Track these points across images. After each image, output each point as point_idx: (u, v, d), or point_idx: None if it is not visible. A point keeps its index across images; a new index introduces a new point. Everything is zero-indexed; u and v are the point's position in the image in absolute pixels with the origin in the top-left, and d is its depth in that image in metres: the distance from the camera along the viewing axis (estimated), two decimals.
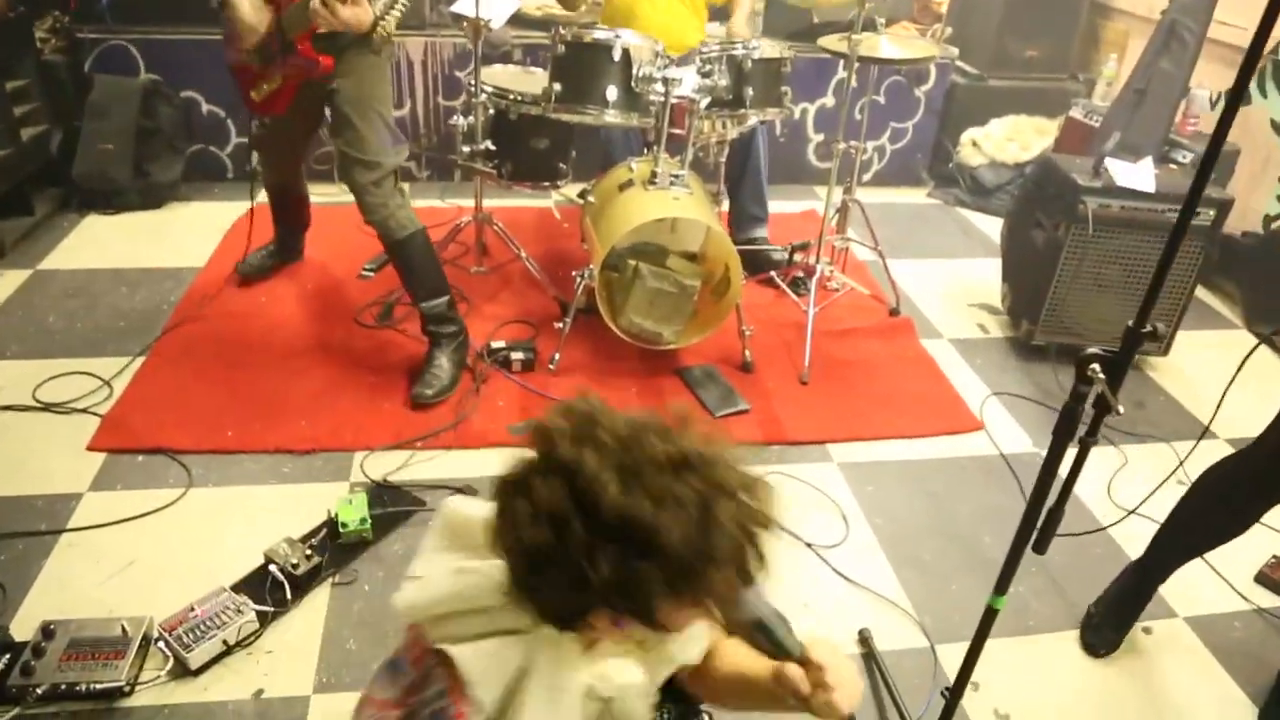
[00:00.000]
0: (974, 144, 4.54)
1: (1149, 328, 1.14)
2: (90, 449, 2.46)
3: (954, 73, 4.60)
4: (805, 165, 4.49)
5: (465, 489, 2.41)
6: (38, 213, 3.60)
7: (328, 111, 2.68)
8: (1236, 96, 1.08)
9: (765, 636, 1.03)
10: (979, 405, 2.91)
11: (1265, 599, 2.28)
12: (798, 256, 3.40)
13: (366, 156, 2.62)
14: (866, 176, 4.63)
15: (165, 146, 3.85)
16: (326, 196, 3.99)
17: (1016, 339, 3.26)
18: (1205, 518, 1.92)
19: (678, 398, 2.83)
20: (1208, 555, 2.14)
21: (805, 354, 2.97)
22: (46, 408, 2.60)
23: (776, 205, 3.95)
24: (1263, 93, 3.72)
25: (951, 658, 2.02)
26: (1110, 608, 2.10)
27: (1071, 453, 1.27)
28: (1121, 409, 1.17)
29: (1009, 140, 4.52)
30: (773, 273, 3.43)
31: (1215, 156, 1.09)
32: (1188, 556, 2.03)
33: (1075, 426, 1.23)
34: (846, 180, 3.42)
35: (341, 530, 2.19)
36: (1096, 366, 1.16)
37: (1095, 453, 1.27)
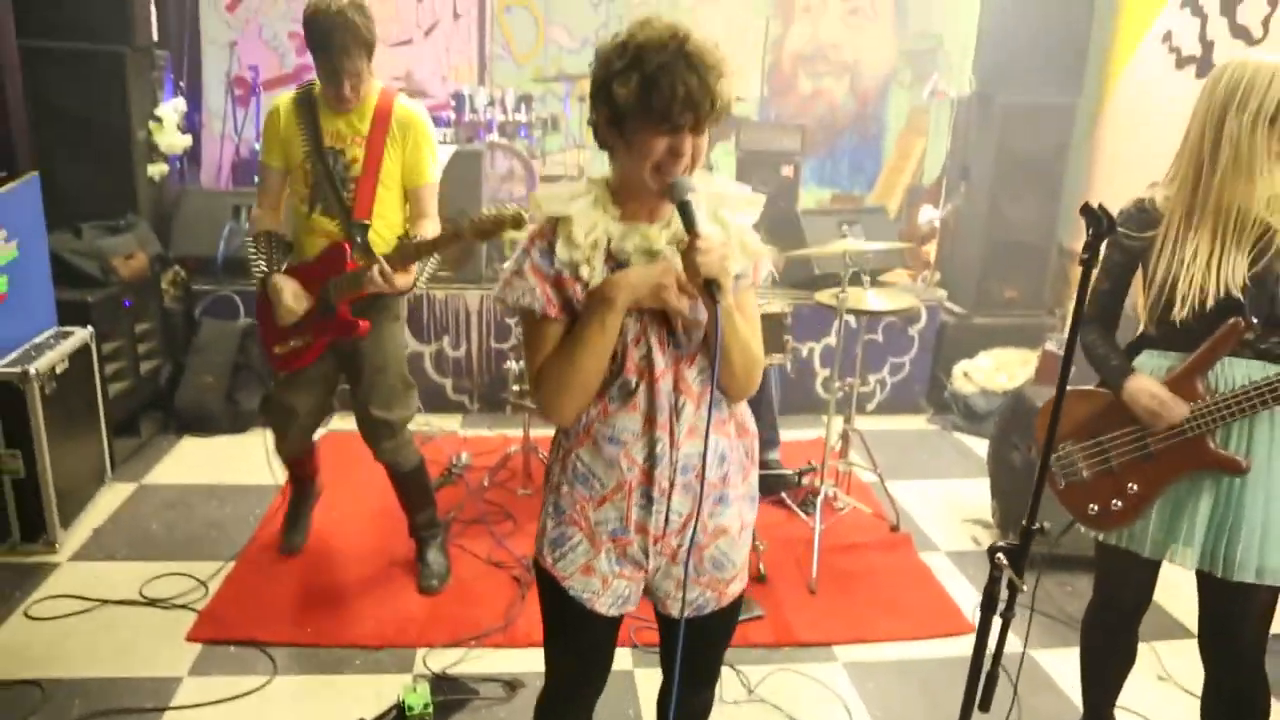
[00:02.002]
0: (965, 375, 5.07)
1: (1037, 525, 1.56)
2: (189, 639, 2.85)
3: (943, 312, 5.21)
4: (814, 397, 5.01)
5: (514, 683, 2.74)
6: (144, 434, 4.17)
7: (342, 375, 3.01)
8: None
9: (683, 211, 1.48)
10: (971, 610, 3.23)
11: None
12: (806, 479, 3.85)
13: (390, 416, 2.97)
14: (870, 406, 5.15)
15: (254, 379, 4.45)
16: None
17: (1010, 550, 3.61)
18: (1101, 662, 2.32)
19: None
20: None
21: (813, 566, 3.34)
22: (152, 603, 3.01)
23: (789, 433, 4.44)
24: None
25: None
26: None
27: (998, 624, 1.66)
28: (1025, 587, 1.57)
29: (997, 371, 5.04)
30: (783, 494, 3.86)
31: (1062, 393, 1.55)
32: (1110, 694, 2.36)
33: (995, 604, 1.62)
34: (846, 411, 3.91)
35: (408, 715, 2.53)
36: (1000, 556, 1.58)
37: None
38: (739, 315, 1.58)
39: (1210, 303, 1.91)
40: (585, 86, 5.51)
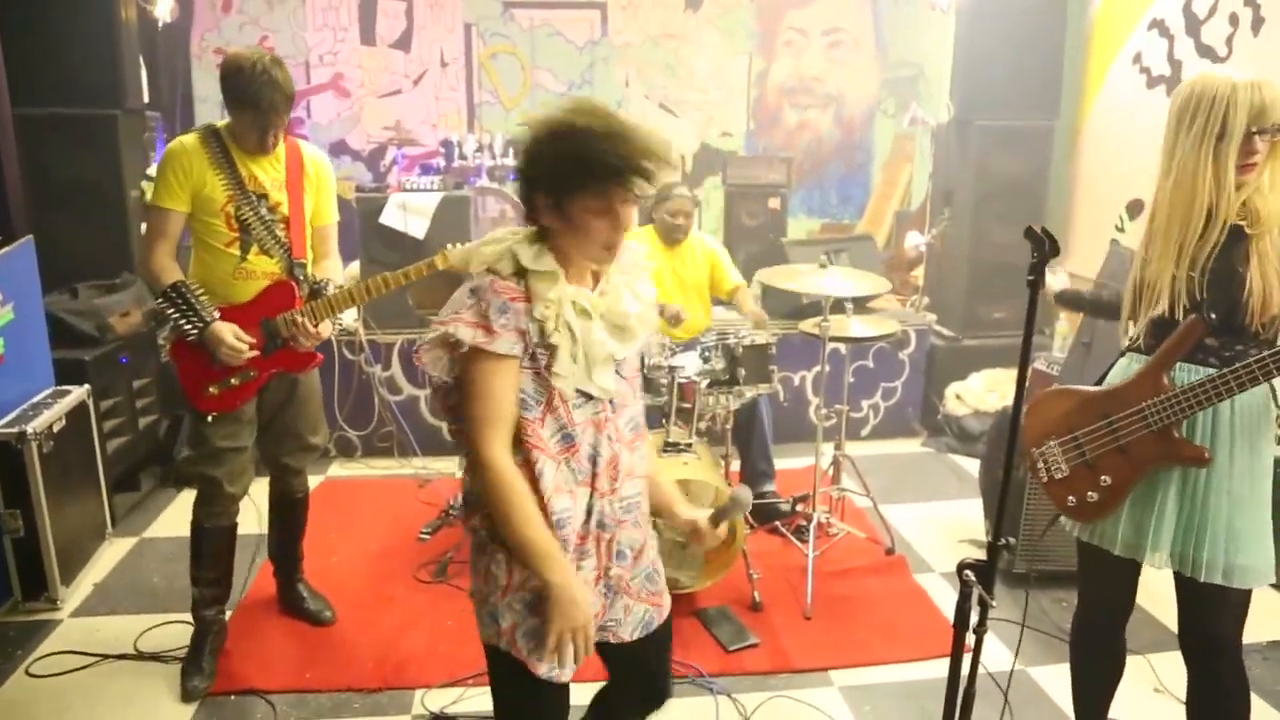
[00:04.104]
0: (958, 397, 5.10)
1: (1002, 541, 1.60)
2: None
3: (933, 336, 5.26)
4: (807, 424, 5.04)
5: None
6: (143, 488, 4.21)
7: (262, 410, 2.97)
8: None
9: (722, 514, 1.78)
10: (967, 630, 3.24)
11: None
12: (800, 507, 3.87)
13: (318, 439, 3.14)
14: (865, 431, 5.18)
15: None
16: (385, 470, 4.59)
17: (1000, 569, 3.62)
18: (1090, 671, 2.35)
19: (694, 638, 3.19)
20: None
21: (808, 592, 3.36)
22: (153, 657, 3.03)
23: (785, 461, 4.47)
24: None
25: None
26: None
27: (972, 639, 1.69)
28: (995, 602, 1.60)
29: (988, 391, 5.07)
30: (778, 522, 3.89)
31: (1019, 409, 1.59)
32: (1102, 706, 2.38)
33: (968, 619, 1.65)
34: (837, 437, 3.95)
35: None
36: (969, 573, 1.61)
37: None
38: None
39: (1176, 313, 1.99)
40: None
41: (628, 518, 1.73)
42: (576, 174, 1.53)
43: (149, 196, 2.83)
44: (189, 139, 2.79)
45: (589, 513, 1.69)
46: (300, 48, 6.30)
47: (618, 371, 1.71)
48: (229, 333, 2.73)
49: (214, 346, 2.73)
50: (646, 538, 1.84)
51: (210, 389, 2.81)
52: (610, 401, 1.70)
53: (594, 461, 1.69)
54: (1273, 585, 3.41)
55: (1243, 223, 1.95)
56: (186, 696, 2.83)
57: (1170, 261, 1.99)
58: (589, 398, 1.67)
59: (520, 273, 1.62)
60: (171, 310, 2.73)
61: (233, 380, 2.81)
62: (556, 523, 1.64)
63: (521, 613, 1.71)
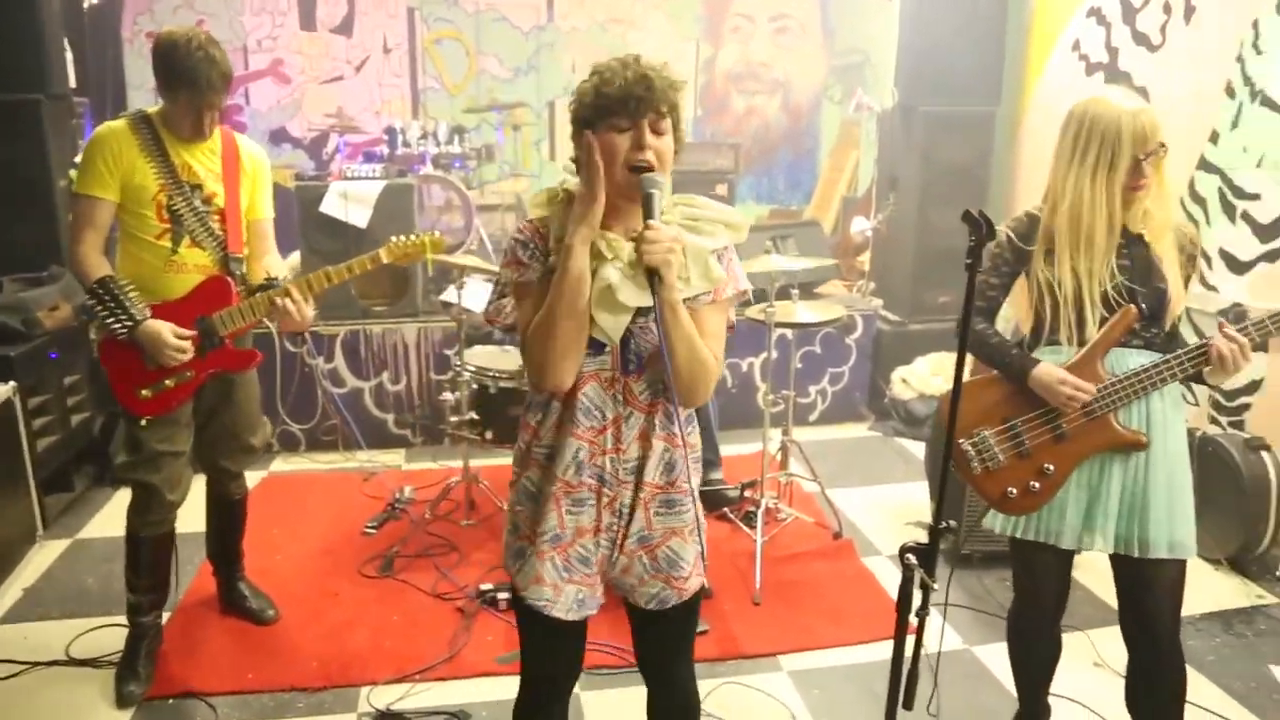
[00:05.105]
0: (904, 381, 5.15)
1: (944, 524, 1.60)
2: None
3: (879, 321, 5.30)
4: (754, 410, 5.04)
5: (460, 715, 2.72)
6: (77, 488, 4.08)
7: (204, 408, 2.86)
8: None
9: (646, 202, 1.59)
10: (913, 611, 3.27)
11: None
12: (748, 493, 3.88)
13: (256, 440, 3.02)
14: (812, 416, 5.21)
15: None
16: (329, 464, 4.51)
17: (946, 550, 3.67)
18: (1030, 658, 2.41)
19: None
20: None
21: (756, 578, 3.37)
22: (87, 662, 2.93)
23: (732, 447, 4.48)
24: None
25: None
26: None
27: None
28: (936, 585, 1.60)
29: (934, 375, 5.13)
30: (726, 509, 3.89)
31: (958, 393, 1.59)
32: (1042, 685, 2.43)
33: (910, 602, 1.65)
34: (784, 423, 3.96)
35: None
36: (910, 556, 1.61)
37: None
38: (683, 312, 1.64)
39: (1091, 309, 2.07)
40: (519, 115, 5.55)
41: (630, 480, 1.74)
42: (589, 106, 1.64)
43: (75, 185, 2.67)
44: (118, 124, 2.66)
45: (579, 461, 1.71)
46: (238, 32, 6.14)
47: (640, 328, 1.69)
48: (168, 331, 2.59)
49: (152, 347, 2.59)
50: (673, 525, 1.81)
51: (143, 391, 2.66)
52: (623, 361, 1.70)
53: (591, 415, 1.70)
54: (1207, 559, 3.51)
55: (1143, 230, 2.08)
56: (122, 702, 2.73)
57: (1085, 275, 2.06)
58: (596, 350, 1.68)
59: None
60: (99, 308, 2.59)
61: (167, 382, 2.66)
62: (545, 455, 1.74)
63: (509, 535, 1.84)
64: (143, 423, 2.70)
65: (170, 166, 2.66)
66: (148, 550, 2.83)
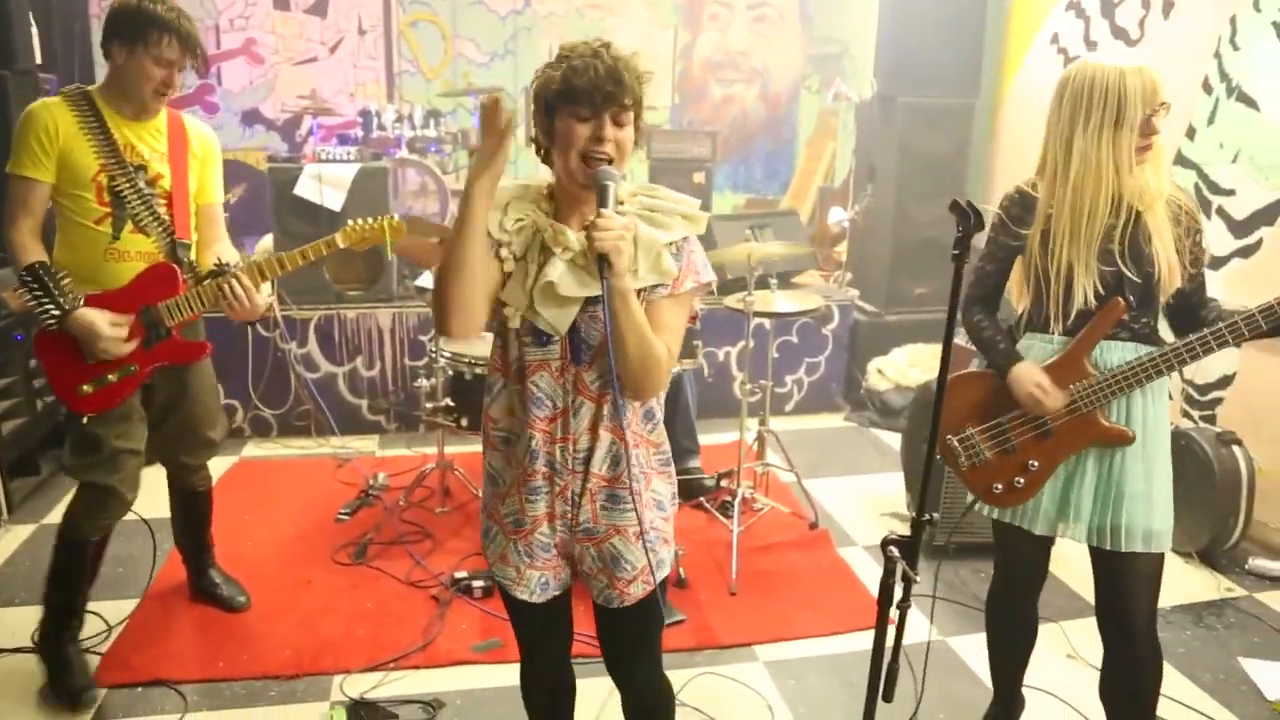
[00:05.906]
0: (880, 372, 5.17)
1: (926, 516, 1.60)
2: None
3: (856, 311, 5.31)
4: (731, 400, 5.05)
5: (434, 703, 2.70)
6: (43, 472, 4.01)
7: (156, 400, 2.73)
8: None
9: (600, 192, 1.58)
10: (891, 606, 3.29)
11: None
12: (724, 483, 3.87)
13: (215, 434, 2.92)
14: (788, 406, 5.22)
15: None
16: (302, 450, 4.45)
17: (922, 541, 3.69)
18: (1007, 639, 2.42)
19: None
20: None
21: (733, 568, 3.37)
22: None
23: (709, 437, 4.47)
24: None
25: None
26: None
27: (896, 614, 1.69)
28: (919, 578, 1.60)
29: (910, 366, 5.15)
30: (702, 498, 3.88)
31: (943, 386, 1.59)
32: (1017, 673, 2.45)
33: (892, 595, 1.65)
34: (761, 413, 3.95)
35: None
36: (893, 549, 1.61)
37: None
38: (634, 300, 1.61)
39: (1089, 302, 2.03)
40: None
41: (580, 470, 1.73)
42: (553, 92, 1.63)
43: (9, 165, 2.49)
44: (52, 100, 2.49)
45: (532, 450, 1.71)
46: (209, 10, 6.02)
47: (590, 317, 1.67)
48: (102, 321, 2.42)
49: (85, 338, 2.42)
50: (618, 523, 1.77)
51: (84, 387, 2.48)
52: (573, 350, 1.68)
53: (541, 405, 1.70)
54: (1178, 552, 3.55)
55: (1137, 205, 2.01)
56: (84, 708, 2.62)
57: (1080, 255, 2.02)
58: (544, 340, 1.68)
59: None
60: (28, 296, 2.41)
61: (110, 376, 2.49)
62: (502, 440, 1.78)
63: (481, 511, 1.89)
64: (84, 420, 2.54)
65: (112, 145, 2.49)
66: (91, 554, 2.71)
